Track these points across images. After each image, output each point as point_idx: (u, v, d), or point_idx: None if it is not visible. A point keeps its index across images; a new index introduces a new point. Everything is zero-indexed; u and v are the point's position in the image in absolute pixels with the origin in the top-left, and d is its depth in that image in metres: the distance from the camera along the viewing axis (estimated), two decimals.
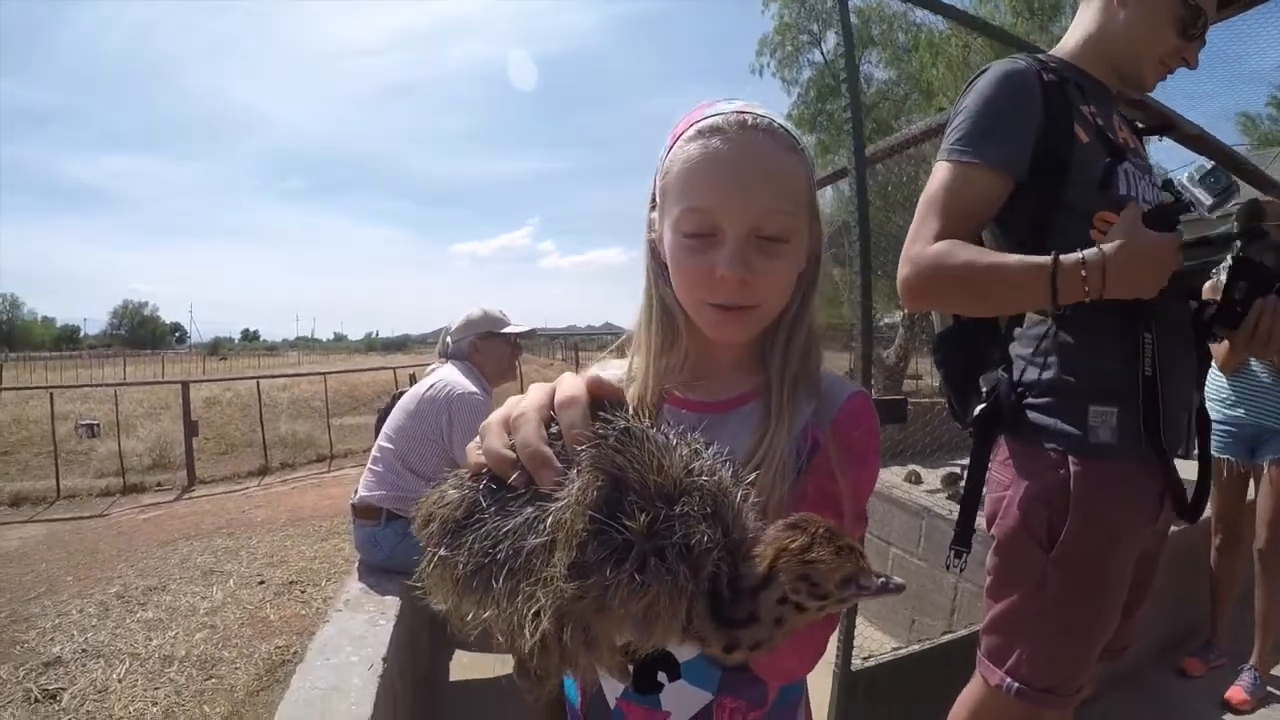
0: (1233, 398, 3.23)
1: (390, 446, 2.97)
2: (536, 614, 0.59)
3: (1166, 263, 1.27)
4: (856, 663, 2.17)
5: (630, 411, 0.72)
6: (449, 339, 3.22)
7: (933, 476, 5.33)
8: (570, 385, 0.71)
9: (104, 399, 13.11)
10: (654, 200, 0.95)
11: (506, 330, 3.15)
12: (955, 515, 3.56)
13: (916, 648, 2.32)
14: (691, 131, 0.86)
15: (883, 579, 0.62)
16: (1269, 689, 3.03)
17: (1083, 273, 1.24)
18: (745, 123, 0.84)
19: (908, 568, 3.87)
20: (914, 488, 4.82)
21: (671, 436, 0.66)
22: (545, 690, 0.73)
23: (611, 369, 1.04)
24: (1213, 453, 3.23)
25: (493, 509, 0.65)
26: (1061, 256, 1.25)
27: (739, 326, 0.88)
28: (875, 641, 3.59)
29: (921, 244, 1.39)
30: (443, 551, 0.67)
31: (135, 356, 57.46)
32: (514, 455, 0.67)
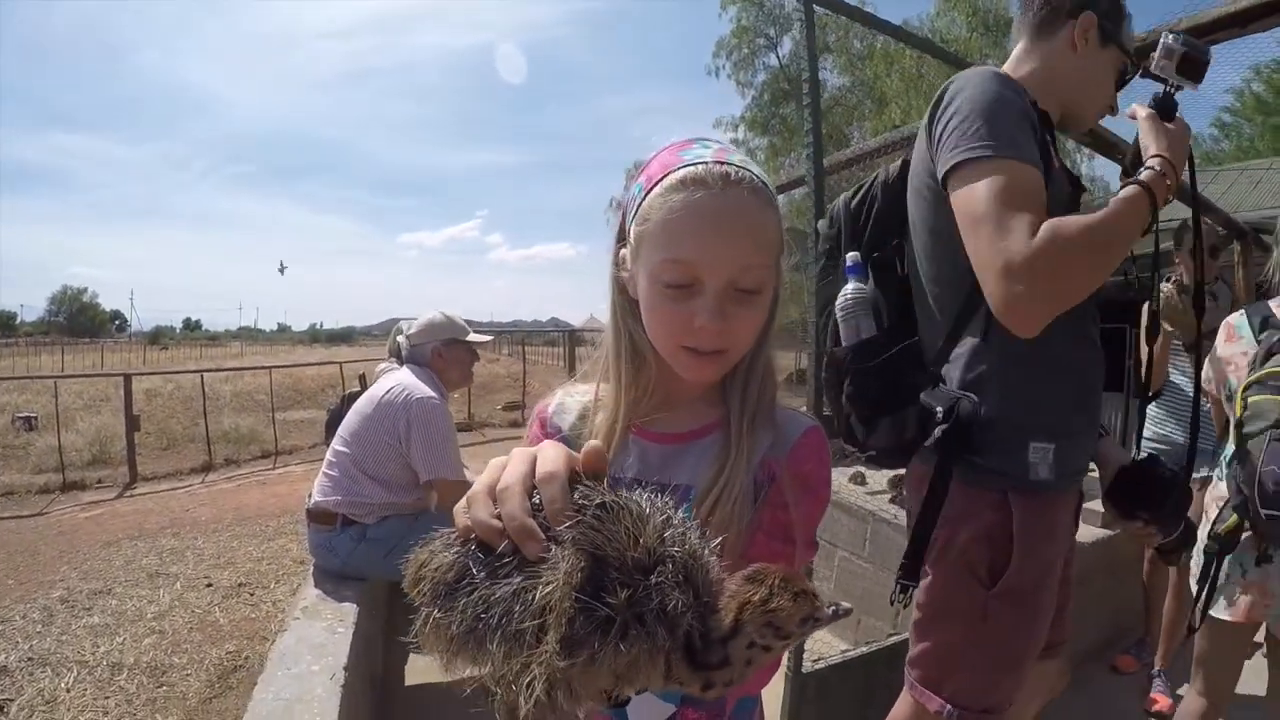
0: (1160, 414, 3.25)
1: (346, 451, 2.96)
2: (531, 682, 0.63)
3: (1187, 141, 1.42)
4: (807, 665, 2.24)
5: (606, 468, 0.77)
6: (402, 340, 3.22)
7: (878, 478, 5.44)
8: (549, 460, 0.73)
9: (42, 390, 12.73)
10: (620, 235, 0.99)
11: (471, 338, 3.18)
12: (900, 519, 3.64)
13: (865, 649, 2.40)
14: (673, 180, 0.89)
15: (833, 608, 0.69)
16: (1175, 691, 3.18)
17: (1167, 181, 1.33)
18: (729, 176, 0.87)
19: (854, 570, 3.97)
20: (859, 489, 4.92)
21: (645, 505, 0.71)
22: None
23: (576, 394, 1.09)
24: None
25: (482, 574, 0.68)
26: (1141, 178, 1.32)
27: (712, 369, 0.94)
28: (824, 643, 3.67)
29: (1021, 244, 1.22)
30: (436, 613, 0.70)
31: (74, 345, 55.73)
32: (500, 525, 0.70)
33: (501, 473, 0.73)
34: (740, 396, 0.97)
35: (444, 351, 3.15)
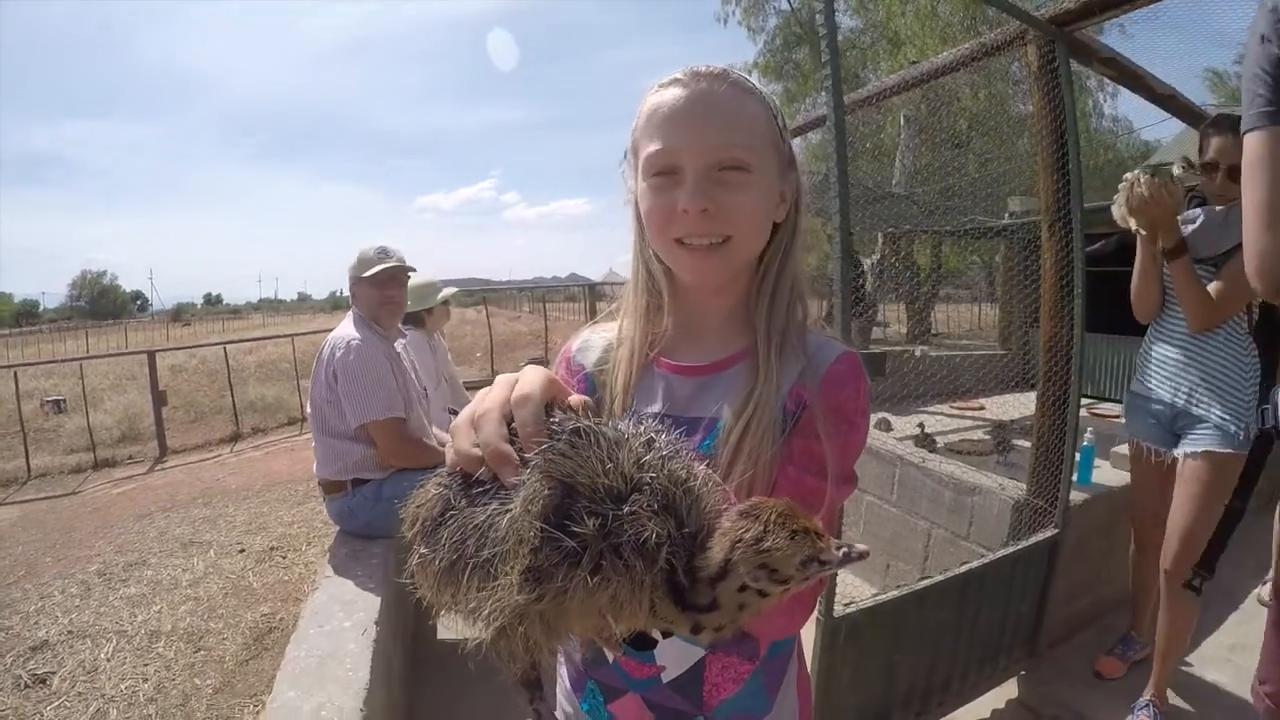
0: (1162, 370, 2.71)
1: (311, 419, 2.97)
2: (490, 614, 0.62)
3: None
4: (839, 609, 2.23)
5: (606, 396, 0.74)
6: None
7: (903, 424, 5.40)
8: (526, 383, 0.72)
9: (69, 374, 12.86)
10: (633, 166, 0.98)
11: (367, 273, 3.04)
12: (928, 464, 3.58)
13: (895, 593, 2.38)
14: (654, 88, 0.91)
15: (844, 550, 0.63)
16: None
17: None
18: (699, 72, 0.89)
19: (882, 515, 3.95)
20: (885, 435, 4.88)
21: (626, 429, 0.68)
22: (515, 670, 0.77)
23: (601, 331, 1.08)
24: (1135, 436, 2.86)
25: (463, 503, 0.68)
26: None
27: (710, 265, 0.91)
28: (852, 587, 3.67)
29: None
30: (422, 549, 0.70)
31: (97, 328, 56.27)
32: (479, 453, 0.69)
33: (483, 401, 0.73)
34: (766, 316, 0.94)
35: (354, 290, 3.08)
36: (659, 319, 0.99)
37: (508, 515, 0.63)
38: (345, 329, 2.96)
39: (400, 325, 3.18)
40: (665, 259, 0.95)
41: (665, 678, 0.97)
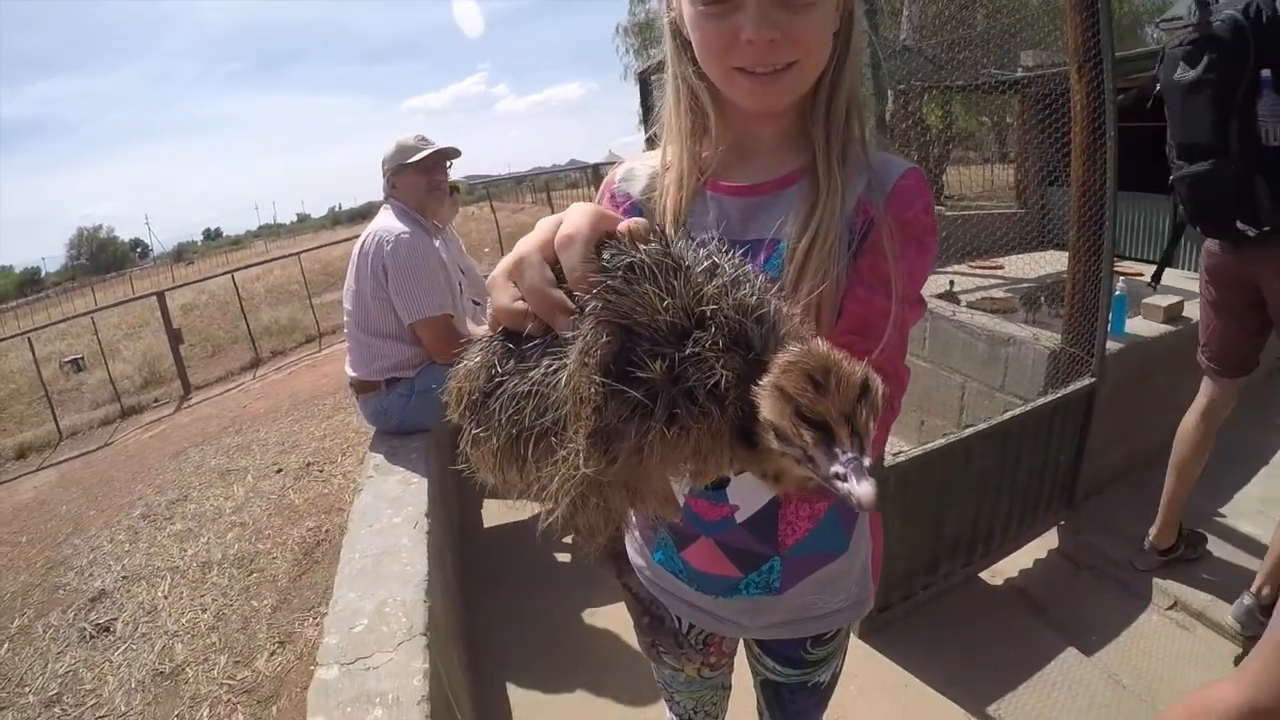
0: None
1: (349, 317, 2.89)
2: (560, 489, 0.55)
3: None
4: (888, 458, 2.21)
5: (657, 222, 0.65)
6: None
7: (929, 282, 5.31)
8: (571, 222, 0.62)
9: (82, 331, 12.86)
10: None
11: (413, 159, 2.91)
12: (959, 316, 3.50)
13: (941, 442, 2.34)
14: None
15: (838, 468, 0.49)
16: None
17: None
18: None
19: (914, 369, 3.81)
20: None
21: (686, 254, 0.59)
22: (597, 544, 0.70)
23: (646, 159, 1.01)
24: None
25: (510, 366, 0.60)
26: None
27: (776, 91, 0.82)
28: (892, 444, 3.65)
29: None
30: (475, 429, 0.63)
31: (102, 282, 56.05)
32: (524, 306, 0.61)
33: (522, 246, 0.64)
34: (825, 130, 0.86)
35: (396, 180, 2.95)
36: (706, 141, 0.91)
37: (565, 372, 0.55)
38: (388, 221, 2.83)
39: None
40: (721, 87, 0.86)
41: (739, 518, 0.93)
